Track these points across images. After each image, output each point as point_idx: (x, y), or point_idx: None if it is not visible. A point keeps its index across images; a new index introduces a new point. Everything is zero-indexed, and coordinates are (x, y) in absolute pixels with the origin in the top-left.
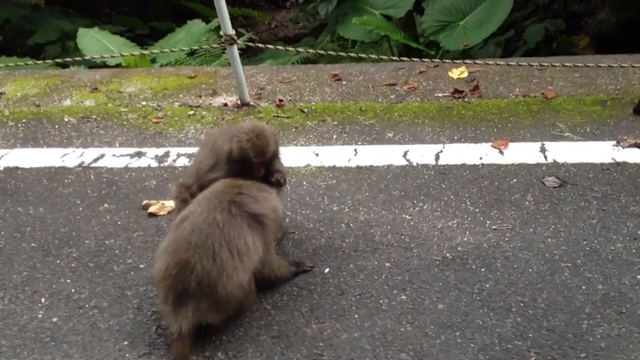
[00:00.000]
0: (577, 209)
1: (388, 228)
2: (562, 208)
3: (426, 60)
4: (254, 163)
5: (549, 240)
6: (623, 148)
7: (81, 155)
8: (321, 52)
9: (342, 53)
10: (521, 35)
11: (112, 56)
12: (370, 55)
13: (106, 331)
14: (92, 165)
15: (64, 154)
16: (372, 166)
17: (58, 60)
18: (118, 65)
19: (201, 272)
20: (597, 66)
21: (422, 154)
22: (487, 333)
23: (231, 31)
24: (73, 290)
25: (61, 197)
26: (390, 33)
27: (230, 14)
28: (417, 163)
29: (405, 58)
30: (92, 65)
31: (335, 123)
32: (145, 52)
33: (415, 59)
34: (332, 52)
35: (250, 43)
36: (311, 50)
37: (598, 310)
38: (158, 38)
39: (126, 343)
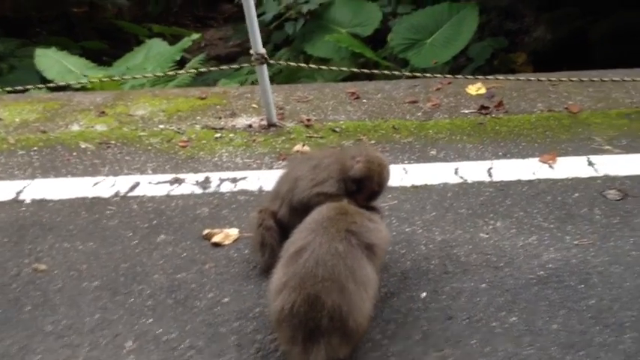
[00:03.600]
0: None
1: (470, 248)
2: (632, 221)
3: (447, 77)
4: (367, 189)
5: (634, 253)
6: None
7: (113, 184)
8: (375, 71)
9: (405, 72)
10: (464, 53)
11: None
12: (393, 72)
13: None
14: (130, 194)
15: (95, 184)
16: (427, 184)
17: (48, 85)
18: (83, 88)
19: (331, 307)
20: (612, 80)
21: (473, 171)
22: (611, 350)
23: (262, 50)
24: (159, 331)
25: (109, 230)
26: (363, 50)
27: (160, 33)
28: (473, 181)
29: (418, 74)
30: (54, 89)
31: (373, 142)
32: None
33: (428, 75)
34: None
35: (282, 62)
36: (360, 69)
37: None
38: (90, 58)
39: None
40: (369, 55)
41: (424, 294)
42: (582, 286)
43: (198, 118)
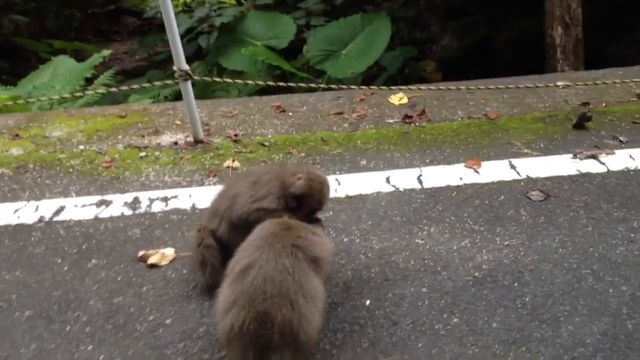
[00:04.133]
0: (570, 219)
1: (407, 254)
2: (556, 220)
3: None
4: (307, 206)
5: (560, 250)
6: (581, 160)
7: (36, 209)
8: (302, 84)
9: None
10: (377, 62)
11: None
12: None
13: None
14: (55, 219)
15: (16, 210)
16: (361, 194)
17: None
18: None
19: (282, 322)
20: (526, 87)
21: (404, 178)
22: (550, 344)
23: (186, 66)
24: (100, 357)
25: (36, 257)
26: (279, 62)
27: (62, 48)
28: (404, 188)
29: (343, 86)
30: None
31: (302, 155)
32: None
33: (353, 87)
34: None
35: (207, 78)
36: (282, 83)
37: (633, 309)
38: None
39: None
40: (285, 68)
41: (368, 302)
42: (516, 284)
43: (120, 137)
